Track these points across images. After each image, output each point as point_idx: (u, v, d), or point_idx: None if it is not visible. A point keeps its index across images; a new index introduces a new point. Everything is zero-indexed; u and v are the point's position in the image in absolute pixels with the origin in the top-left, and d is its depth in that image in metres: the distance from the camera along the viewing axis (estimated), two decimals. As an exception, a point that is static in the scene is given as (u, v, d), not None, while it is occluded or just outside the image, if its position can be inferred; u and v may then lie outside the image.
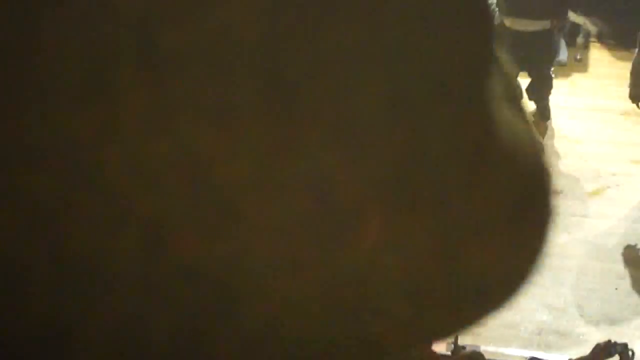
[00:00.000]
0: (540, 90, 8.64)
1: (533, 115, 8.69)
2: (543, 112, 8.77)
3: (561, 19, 8.44)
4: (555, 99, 8.68)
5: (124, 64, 0.65)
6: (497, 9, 8.38)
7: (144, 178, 0.68)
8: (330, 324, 0.73)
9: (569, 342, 6.56)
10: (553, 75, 8.65)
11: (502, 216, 0.69)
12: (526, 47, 8.25)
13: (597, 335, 6.41)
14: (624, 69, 8.70)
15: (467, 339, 6.53)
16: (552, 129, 8.71)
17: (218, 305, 0.72)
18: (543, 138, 8.72)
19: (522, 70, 8.48)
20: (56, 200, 0.69)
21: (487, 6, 0.74)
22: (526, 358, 5.81)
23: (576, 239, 7.52)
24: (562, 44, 8.71)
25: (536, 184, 0.73)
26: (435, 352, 5.48)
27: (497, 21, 8.41)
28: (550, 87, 8.65)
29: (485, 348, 6.50)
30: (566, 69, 9.29)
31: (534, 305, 6.94)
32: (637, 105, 7.65)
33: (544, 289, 7.05)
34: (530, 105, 8.77)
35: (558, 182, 8.15)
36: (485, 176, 0.69)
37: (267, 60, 0.66)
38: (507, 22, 8.30)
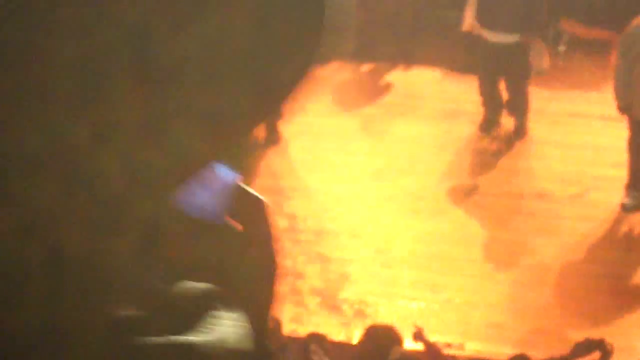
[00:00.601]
0: (518, 105, 8.74)
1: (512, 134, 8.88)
2: (519, 130, 8.87)
3: (536, 32, 8.51)
4: (537, 105, 8.86)
5: None
6: (476, 20, 8.54)
7: (15, 165, 0.71)
8: None
9: (551, 340, 6.71)
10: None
11: None
12: (502, 60, 8.41)
13: (579, 333, 6.57)
14: (604, 75, 8.90)
15: (453, 338, 6.73)
16: (534, 134, 8.89)
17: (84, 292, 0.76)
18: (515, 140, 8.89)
19: (498, 81, 8.66)
20: None
21: None
22: (510, 356, 5.89)
23: (559, 241, 7.71)
24: (544, 53, 8.82)
25: None
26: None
27: (475, 32, 8.60)
28: (526, 102, 8.75)
29: (470, 346, 6.69)
30: (547, 76, 9.44)
31: (519, 304, 7.12)
32: (629, 116, 7.71)
33: (528, 289, 7.24)
34: (508, 122, 8.94)
35: (540, 185, 8.35)
36: None
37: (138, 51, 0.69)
38: (484, 34, 8.48)
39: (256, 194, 1.05)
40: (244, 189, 1.01)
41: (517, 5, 8.23)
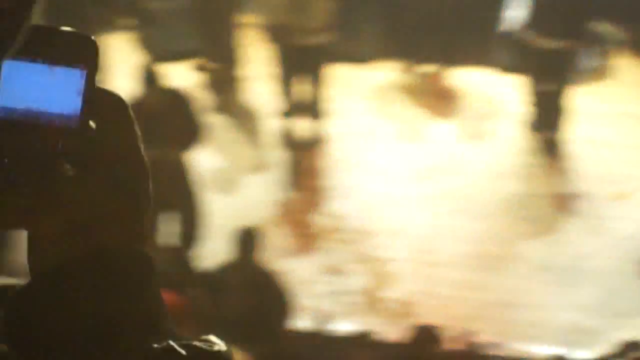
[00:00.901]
0: (550, 116, 8.70)
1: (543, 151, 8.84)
2: (551, 146, 8.78)
3: (585, 36, 8.45)
4: (581, 105, 8.83)
5: None
6: (521, 24, 8.48)
7: None
8: None
9: (595, 340, 6.72)
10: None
11: None
12: (550, 63, 8.37)
13: (622, 333, 6.58)
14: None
15: (496, 337, 6.75)
16: (578, 134, 8.86)
17: None
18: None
19: (539, 86, 8.63)
20: None
21: None
22: (553, 356, 5.91)
23: (600, 241, 7.70)
24: (591, 53, 8.77)
25: None
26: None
27: (520, 37, 8.53)
28: (561, 112, 8.65)
29: (513, 346, 6.71)
30: (592, 76, 9.41)
31: (561, 304, 7.12)
32: None
33: (570, 289, 7.24)
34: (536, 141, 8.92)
35: (584, 185, 8.33)
36: None
37: None
38: (532, 38, 8.43)
39: (113, 91, 1.05)
40: (100, 89, 1.00)
41: (566, 10, 8.16)
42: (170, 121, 6.82)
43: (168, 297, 5.03)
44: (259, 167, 8.66)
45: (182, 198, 7.12)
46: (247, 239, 6.14)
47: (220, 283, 6.05)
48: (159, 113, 6.77)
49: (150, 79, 7.18)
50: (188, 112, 6.98)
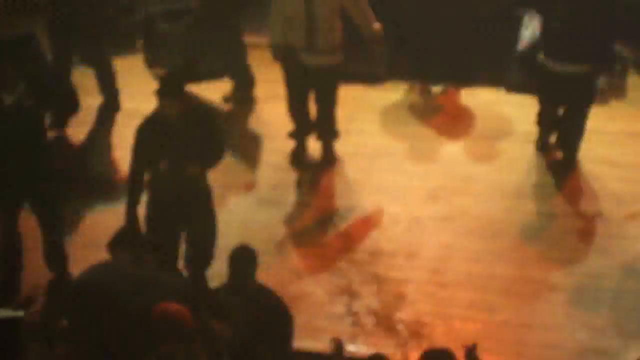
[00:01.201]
0: (571, 136, 8.67)
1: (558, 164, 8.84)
2: (570, 163, 8.77)
3: (604, 62, 8.36)
4: (595, 125, 8.83)
5: None
6: (540, 49, 8.44)
7: None
8: None
9: (608, 361, 6.71)
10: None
11: None
12: (566, 88, 8.33)
13: (635, 354, 6.56)
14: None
15: (508, 358, 6.73)
16: (591, 154, 8.86)
17: None
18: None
19: (558, 106, 8.61)
20: None
21: None
22: None
23: (614, 261, 7.68)
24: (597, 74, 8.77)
25: None
26: None
27: (538, 61, 8.51)
28: (581, 133, 8.63)
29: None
30: (604, 96, 9.42)
31: (574, 325, 7.10)
32: None
33: (583, 310, 7.22)
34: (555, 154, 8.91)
35: (597, 205, 8.32)
36: None
37: None
38: (548, 62, 8.39)
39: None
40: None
41: (587, 36, 8.12)
42: (193, 138, 6.84)
43: (180, 311, 4.97)
44: (270, 187, 8.67)
45: (201, 216, 7.12)
46: (247, 259, 6.09)
47: (223, 304, 6.03)
48: (182, 130, 6.80)
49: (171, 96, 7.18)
50: (212, 129, 6.98)
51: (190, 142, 6.79)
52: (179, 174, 6.83)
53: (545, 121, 8.80)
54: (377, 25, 8.48)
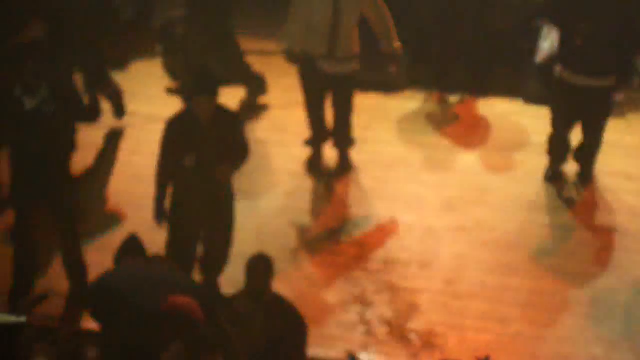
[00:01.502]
0: (589, 150, 8.63)
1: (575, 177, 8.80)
2: (586, 176, 8.73)
3: (625, 77, 8.31)
4: (612, 137, 8.81)
5: None
6: (559, 62, 8.39)
7: None
8: None
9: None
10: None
11: None
12: (584, 102, 8.30)
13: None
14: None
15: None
16: (608, 167, 8.84)
17: None
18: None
19: (571, 127, 8.57)
20: None
21: None
22: None
23: (629, 275, 7.66)
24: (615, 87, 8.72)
25: None
26: None
27: (555, 74, 8.48)
28: (598, 146, 8.60)
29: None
30: (621, 109, 9.40)
31: (588, 338, 7.08)
32: None
33: (598, 323, 7.20)
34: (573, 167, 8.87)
35: (613, 219, 8.29)
36: None
37: None
38: (567, 76, 8.35)
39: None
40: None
41: (608, 51, 8.09)
42: (222, 139, 6.86)
43: (190, 303, 4.99)
44: (285, 194, 8.68)
45: (223, 218, 7.13)
46: (264, 268, 6.11)
47: (240, 311, 6.04)
48: (211, 130, 6.81)
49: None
50: (240, 130, 7.01)
51: (219, 143, 6.82)
52: (206, 174, 6.85)
53: (556, 149, 8.72)
54: (397, 44, 8.50)
